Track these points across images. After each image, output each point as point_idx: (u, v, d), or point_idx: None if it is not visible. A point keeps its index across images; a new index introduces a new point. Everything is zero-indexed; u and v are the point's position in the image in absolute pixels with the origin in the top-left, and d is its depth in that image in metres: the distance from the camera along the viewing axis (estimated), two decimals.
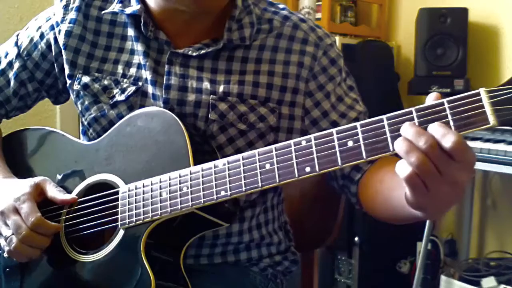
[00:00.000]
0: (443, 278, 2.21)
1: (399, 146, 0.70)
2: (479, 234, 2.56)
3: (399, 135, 0.71)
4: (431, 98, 0.72)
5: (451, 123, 0.69)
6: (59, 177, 1.05)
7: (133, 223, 0.93)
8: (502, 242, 2.49)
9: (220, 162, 0.86)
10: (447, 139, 0.68)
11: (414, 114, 0.71)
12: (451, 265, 2.39)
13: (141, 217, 0.92)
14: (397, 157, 0.72)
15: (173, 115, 0.95)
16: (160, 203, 0.90)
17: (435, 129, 0.69)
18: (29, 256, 0.97)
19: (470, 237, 2.52)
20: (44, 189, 1.00)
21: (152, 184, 0.92)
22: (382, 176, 0.96)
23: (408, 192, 0.73)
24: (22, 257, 0.98)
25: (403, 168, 0.71)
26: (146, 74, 1.04)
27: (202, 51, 1.02)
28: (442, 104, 0.70)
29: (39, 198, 0.99)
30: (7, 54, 1.17)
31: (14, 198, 0.97)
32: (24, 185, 0.99)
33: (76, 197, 1.00)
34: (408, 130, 0.70)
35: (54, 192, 0.99)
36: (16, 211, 0.96)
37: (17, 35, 1.18)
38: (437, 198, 0.72)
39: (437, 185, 0.70)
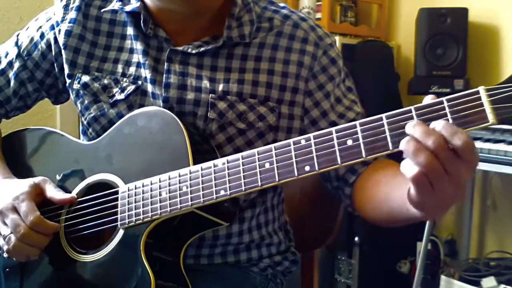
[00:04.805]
0: (443, 278, 2.21)
1: (406, 145, 0.69)
2: (479, 234, 2.55)
3: (399, 134, 0.71)
4: (429, 99, 0.72)
5: (451, 121, 0.69)
6: (58, 177, 1.05)
7: (133, 223, 0.93)
8: (502, 242, 2.48)
9: (220, 162, 0.86)
10: (457, 138, 0.67)
11: (414, 113, 0.71)
12: (451, 265, 2.39)
13: (141, 217, 0.92)
14: (392, 158, 0.71)
15: (172, 114, 0.95)
16: (160, 202, 0.90)
17: (444, 127, 0.68)
18: (28, 255, 0.97)
19: (470, 237, 2.52)
20: (43, 189, 1.00)
21: (151, 184, 0.92)
22: (379, 178, 0.96)
23: (413, 191, 0.73)
24: (21, 256, 0.98)
25: (409, 168, 0.69)
26: (146, 72, 1.04)
27: (202, 49, 1.02)
28: (442, 102, 0.70)
29: (38, 198, 0.99)
30: (7, 54, 1.17)
31: (13, 198, 0.97)
32: (23, 185, 0.99)
33: (75, 196, 1.00)
34: (415, 129, 0.69)
35: (52, 192, 1.00)
36: (15, 210, 0.96)
37: (17, 35, 1.18)
38: (441, 197, 0.71)
39: (442, 184, 0.70)
